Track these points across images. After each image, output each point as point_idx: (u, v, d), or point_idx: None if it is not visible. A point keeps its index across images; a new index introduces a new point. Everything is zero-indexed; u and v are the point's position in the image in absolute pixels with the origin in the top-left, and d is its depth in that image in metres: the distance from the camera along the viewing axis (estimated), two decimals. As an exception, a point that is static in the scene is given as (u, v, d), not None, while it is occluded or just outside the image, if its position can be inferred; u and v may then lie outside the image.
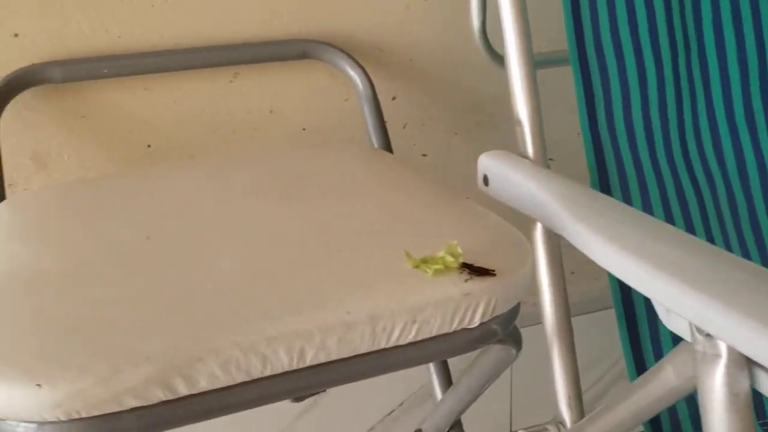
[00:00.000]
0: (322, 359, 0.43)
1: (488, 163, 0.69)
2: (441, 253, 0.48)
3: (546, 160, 0.70)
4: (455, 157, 0.96)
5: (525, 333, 1.05)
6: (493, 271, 0.47)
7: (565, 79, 0.95)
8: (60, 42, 0.77)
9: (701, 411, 0.42)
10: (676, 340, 0.68)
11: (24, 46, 0.76)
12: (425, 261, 0.48)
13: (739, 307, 0.38)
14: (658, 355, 0.73)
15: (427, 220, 0.54)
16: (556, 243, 0.70)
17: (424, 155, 0.95)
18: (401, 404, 1.04)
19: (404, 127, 0.93)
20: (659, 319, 0.73)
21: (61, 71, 0.76)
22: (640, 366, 0.73)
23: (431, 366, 0.77)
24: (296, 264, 0.48)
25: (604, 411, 0.59)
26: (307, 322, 0.43)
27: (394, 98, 0.91)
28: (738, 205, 0.80)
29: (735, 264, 0.44)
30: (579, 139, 1.00)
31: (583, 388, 1.12)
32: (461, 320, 0.46)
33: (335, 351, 0.43)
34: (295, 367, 0.43)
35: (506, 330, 0.50)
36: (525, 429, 0.73)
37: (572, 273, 1.11)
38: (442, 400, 0.71)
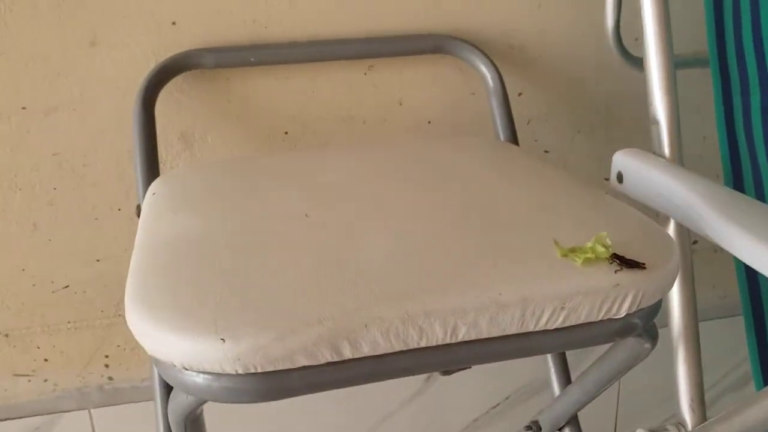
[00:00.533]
0: (473, 336, 0.46)
1: (624, 161, 0.70)
2: (590, 243, 0.49)
3: (681, 159, 0.70)
4: (576, 154, 0.96)
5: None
6: (644, 264, 0.48)
7: (686, 80, 0.94)
8: (213, 31, 0.83)
9: None
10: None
11: (180, 33, 0.82)
12: (573, 250, 0.49)
13: None
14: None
15: (572, 211, 0.55)
16: (688, 244, 0.70)
17: (546, 151, 0.96)
18: (507, 398, 1.05)
19: (528, 123, 0.94)
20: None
21: (212, 58, 0.82)
22: (767, 373, 0.72)
23: (549, 359, 0.78)
24: (450, 244, 0.50)
25: (731, 414, 0.59)
26: (463, 300, 0.45)
27: (520, 94, 0.93)
28: None
29: None
30: (703, 143, 0.99)
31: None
32: (608, 310, 0.48)
33: (486, 329, 0.46)
34: (448, 341, 0.45)
35: (647, 324, 0.50)
36: (645, 429, 0.73)
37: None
38: (564, 391, 0.72)
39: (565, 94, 0.94)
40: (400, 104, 0.90)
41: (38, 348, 0.89)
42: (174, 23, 0.82)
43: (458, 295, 0.45)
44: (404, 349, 0.45)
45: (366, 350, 0.44)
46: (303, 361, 0.43)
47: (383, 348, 0.44)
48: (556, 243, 0.49)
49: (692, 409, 0.70)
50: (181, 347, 0.43)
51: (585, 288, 0.47)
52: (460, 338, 0.45)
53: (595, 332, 0.48)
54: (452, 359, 0.46)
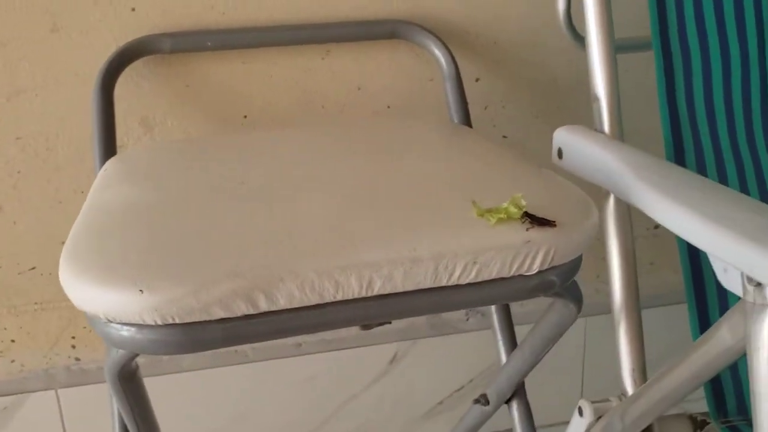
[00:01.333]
0: (389, 290, 0.47)
1: (564, 137, 0.71)
2: (505, 204, 0.51)
3: (621, 135, 0.72)
4: (535, 139, 0.98)
5: (602, 319, 1.06)
6: (554, 222, 0.50)
7: (640, 69, 0.96)
8: (171, 16, 0.85)
9: (748, 366, 0.44)
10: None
11: (140, 19, 0.84)
12: (490, 211, 0.51)
13: (788, 255, 0.40)
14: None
15: (498, 179, 0.57)
16: (627, 217, 0.72)
17: (505, 137, 0.97)
18: (471, 381, 1.06)
19: (485, 109, 0.96)
20: (731, 302, 0.73)
21: (170, 42, 0.84)
22: None
23: (497, 332, 0.79)
24: (373, 206, 0.52)
25: (661, 375, 0.61)
26: (377, 255, 0.47)
27: (477, 80, 0.95)
28: (822, 193, 0.79)
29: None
30: (654, 131, 1.01)
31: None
32: (520, 266, 0.49)
33: (401, 283, 0.47)
34: (364, 295, 0.47)
35: (565, 283, 0.52)
36: (589, 401, 0.75)
37: (651, 264, 1.11)
38: (506, 362, 0.74)
39: (522, 80, 0.96)
40: (359, 89, 0.92)
41: (5, 329, 0.91)
42: (134, 9, 0.84)
43: (374, 250, 0.47)
44: (320, 302, 0.47)
45: (282, 303, 0.46)
46: (220, 313, 0.45)
47: (299, 301, 0.46)
48: (474, 204, 0.51)
49: (633, 379, 0.71)
50: (104, 299, 0.45)
51: (496, 244, 0.49)
52: (375, 292, 0.47)
53: (508, 288, 0.50)
54: (369, 313, 0.48)
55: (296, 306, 0.46)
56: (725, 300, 0.73)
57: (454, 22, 0.91)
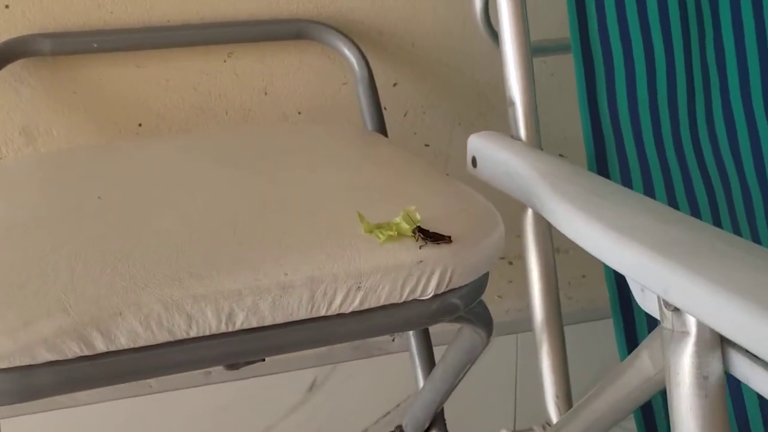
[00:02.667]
0: (254, 324, 0.40)
1: (477, 144, 0.65)
2: (397, 219, 0.44)
3: (539, 141, 0.66)
4: (457, 147, 0.92)
5: (530, 336, 0.99)
6: (449, 237, 0.43)
7: (566, 72, 0.91)
8: (51, 14, 0.76)
9: (668, 398, 0.38)
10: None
11: (14, 17, 0.76)
12: (380, 227, 0.44)
13: (709, 274, 0.34)
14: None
15: (399, 190, 0.51)
16: (547, 231, 0.66)
17: (427, 145, 0.91)
18: (397, 406, 1.00)
19: (405, 115, 0.90)
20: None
21: (50, 43, 0.75)
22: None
23: (414, 356, 0.73)
24: (242, 226, 0.45)
25: (584, 404, 0.55)
26: (239, 281, 0.40)
27: (395, 84, 0.88)
28: (753, 200, 0.75)
29: (717, 235, 0.39)
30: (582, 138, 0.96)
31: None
32: (413, 290, 0.43)
33: (269, 315, 0.40)
34: (223, 330, 0.40)
35: (468, 305, 0.46)
36: (511, 430, 0.69)
37: (583, 277, 1.06)
38: (420, 391, 0.67)
39: (442, 85, 0.90)
40: (266, 94, 0.85)
41: None
42: (7, 6, 0.75)
43: (236, 276, 0.40)
44: (171, 339, 0.39)
45: (124, 342, 0.38)
46: (47, 356, 0.37)
47: (145, 339, 0.39)
48: (361, 218, 0.44)
49: (557, 407, 0.65)
50: None
51: (384, 265, 0.42)
52: (238, 326, 0.40)
53: (402, 315, 0.43)
54: (232, 351, 0.41)
55: (142, 345, 0.39)
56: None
57: (365, 21, 0.85)
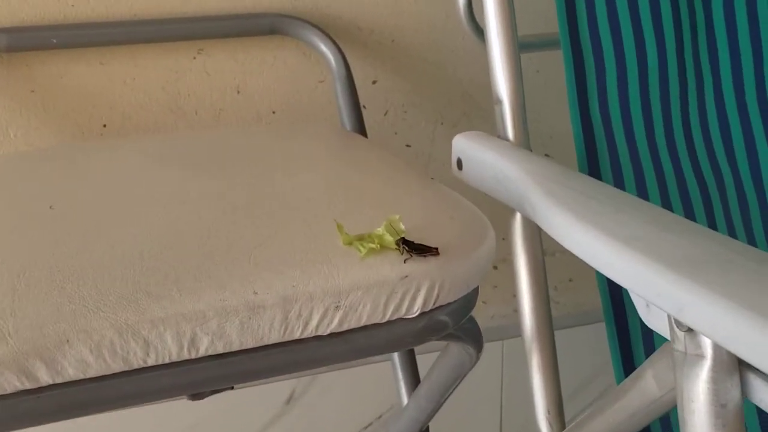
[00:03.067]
0: (220, 349, 0.36)
1: (462, 145, 0.61)
2: (379, 230, 0.40)
3: (527, 142, 0.63)
4: (440, 147, 0.88)
5: (516, 343, 0.96)
6: (436, 249, 0.39)
7: (554, 69, 0.87)
8: (6, 8, 0.71)
9: (681, 426, 0.34)
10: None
11: (-34, 11, 0.71)
12: (360, 238, 0.40)
13: (727, 293, 0.31)
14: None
15: (381, 196, 0.47)
16: (537, 237, 0.62)
17: (408, 146, 0.88)
18: (379, 417, 0.96)
19: (385, 115, 0.86)
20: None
21: (5, 38, 0.70)
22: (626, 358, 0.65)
23: (397, 369, 0.69)
24: (209, 238, 0.41)
25: (580, 426, 0.51)
26: (202, 302, 0.35)
27: (374, 82, 0.84)
28: (749, 202, 0.72)
29: (727, 245, 0.36)
30: (571, 138, 0.93)
31: (583, 404, 1.03)
32: (397, 308, 0.39)
33: (237, 339, 0.36)
34: (186, 357, 0.36)
35: (458, 322, 0.42)
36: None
37: (570, 281, 1.03)
38: (403, 409, 0.64)
39: (424, 83, 0.87)
40: (238, 92, 0.80)
41: None
42: (-43, -1, 0.70)
43: (197, 296, 0.36)
44: (126, 369, 0.35)
45: (72, 373, 0.34)
46: (-18, 390, 0.33)
47: (96, 369, 0.34)
48: (340, 229, 0.40)
49: (549, 422, 0.62)
50: None
51: (365, 282, 0.38)
52: (202, 352, 0.36)
53: (386, 336, 0.39)
54: (196, 380, 0.36)
55: (93, 376, 0.34)
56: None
57: (343, 16, 0.81)
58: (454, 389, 0.53)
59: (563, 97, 0.91)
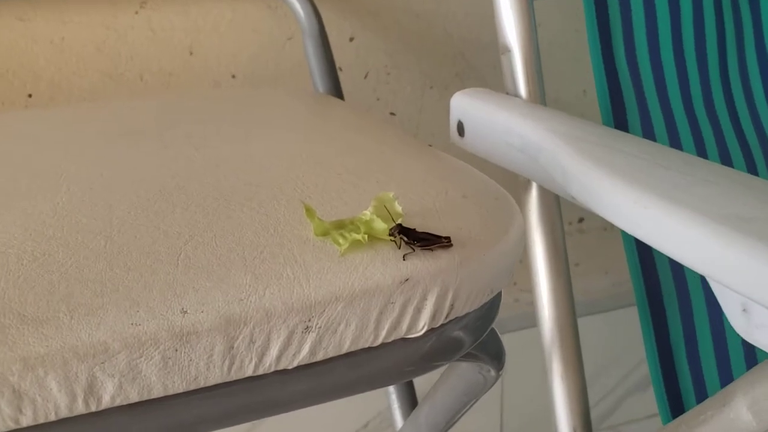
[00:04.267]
0: (134, 397, 0.24)
1: (464, 105, 0.50)
2: (366, 213, 0.28)
3: (543, 98, 0.51)
4: (429, 114, 0.77)
5: (518, 337, 0.85)
6: (447, 239, 0.27)
7: (555, 21, 0.76)
8: None
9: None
10: (726, 342, 0.51)
11: None
12: (340, 226, 0.28)
13: None
14: (695, 365, 0.53)
15: (361, 168, 0.34)
16: (558, 216, 0.51)
17: (392, 114, 0.76)
18: (366, 426, 0.84)
19: (366, 77, 0.74)
20: (696, 315, 0.54)
21: None
22: (670, 381, 0.54)
23: (391, 388, 0.57)
24: (119, 232, 0.28)
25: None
26: (104, 329, 0.23)
27: (351, 39, 0.72)
28: (797, 169, 0.61)
29: None
30: (584, 97, 0.81)
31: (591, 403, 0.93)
32: (395, 325, 0.27)
33: (158, 382, 0.24)
34: (81, 412, 0.24)
35: (478, 338, 0.30)
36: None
37: (577, 265, 0.92)
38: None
39: (409, 40, 0.75)
40: (191, 54, 0.68)
41: None
42: None
43: (96, 319, 0.24)
44: (-11, 432, 0.23)
45: None
46: None
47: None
48: (311, 213, 0.28)
49: (576, 442, 0.51)
50: None
51: (347, 289, 0.26)
52: (107, 403, 0.24)
53: (376, 366, 0.27)
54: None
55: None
56: (689, 313, 0.54)
57: (313, -41, 0.68)
58: (463, 414, 0.41)
59: (569, 54, 0.79)
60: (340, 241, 0.27)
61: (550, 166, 0.38)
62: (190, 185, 0.32)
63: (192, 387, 0.25)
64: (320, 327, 0.26)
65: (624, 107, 0.54)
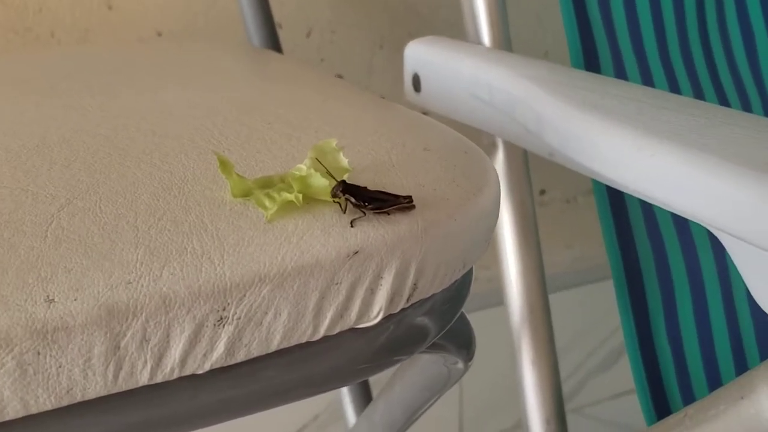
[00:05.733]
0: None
1: (422, 54, 0.44)
2: (302, 166, 0.22)
3: (510, 45, 0.45)
4: (380, 79, 0.70)
5: (476, 319, 0.80)
6: (408, 199, 0.21)
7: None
8: None
9: None
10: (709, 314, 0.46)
11: None
12: (266, 184, 0.22)
13: None
14: (675, 338, 0.49)
15: (298, 118, 0.28)
16: (526, 177, 0.45)
17: (339, 76, 0.69)
18: (316, 418, 0.78)
19: (308, 36, 0.67)
20: (677, 288, 0.49)
21: None
22: (648, 355, 0.49)
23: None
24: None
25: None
26: None
27: (292, -7, 0.65)
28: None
29: None
30: (546, 44, 0.75)
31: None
32: (341, 313, 0.21)
33: (13, 399, 0.17)
34: None
35: (445, 325, 0.24)
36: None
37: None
38: (350, 430, 0.46)
39: (357, -6, 0.68)
40: (110, 8, 0.60)
41: None
42: None
43: None
44: None
45: None
46: None
47: None
48: (226, 168, 0.22)
49: (548, 434, 0.45)
50: None
51: (277, 268, 0.20)
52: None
53: (318, 365, 0.21)
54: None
55: None
56: (669, 287, 0.49)
57: None
58: (425, 411, 0.36)
59: (530, 14, 0.73)
60: (267, 203, 0.21)
61: (526, 119, 0.32)
62: (78, 138, 0.25)
63: (65, 402, 0.18)
64: (239, 318, 0.19)
65: (597, 56, 0.48)
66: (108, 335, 0.18)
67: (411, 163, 0.24)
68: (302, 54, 0.66)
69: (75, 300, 0.18)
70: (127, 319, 0.18)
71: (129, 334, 0.18)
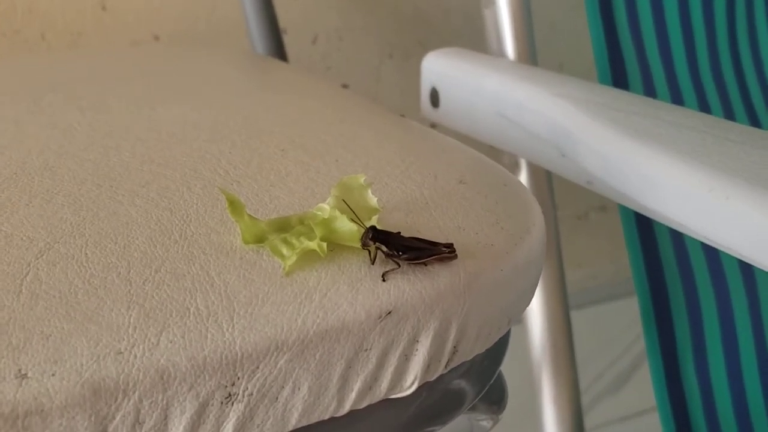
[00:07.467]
0: None
1: (441, 67, 0.41)
2: (324, 206, 0.19)
3: (536, 59, 0.42)
4: (388, 88, 0.67)
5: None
6: (450, 246, 0.18)
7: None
8: None
9: None
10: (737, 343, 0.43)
11: None
12: (284, 227, 0.19)
13: None
14: (702, 367, 0.46)
15: (313, 142, 0.25)
16: (551, 202, 0.42)
17: (345, 85, 0.66)
18: None
19: (314, 42, 0.64)
20: (706, 319, 0.47)
21: None
22: (674, 382, 0.46)
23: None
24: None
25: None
26: None
27: (297, -3, 0.62)
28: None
29: None
30: (560, 72, 0.73)
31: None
32: (371, 384, 0.17)
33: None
34: None
35: (484, 387, 0.21)
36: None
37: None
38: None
39: (365, 1, 0.65)
40: (104, 9, 0.57)
41: None
42: None
43: None
44: None
45: None
46: None
47: None
48: (235, 208, 0.19)
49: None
50: None
51: (296, 333, 0.16)
52: None
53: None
54: None
55: None
56: (699, 322, 0.46)
57: None
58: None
59: (546, 25, 0.71)
60: (284, 251, 0.18)
61: (561, 143, 0.29)
62: (62, 164, 0.22)
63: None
64: (251, 394, 0.16)
65: (624, 66, 0.45)
66: (93, 419, 0.15)
67: (447, 201, 0.21)
68: (307, 61, 0.63)
69: (53, 375, 0.15)
70: (116, 399, 0.15)
71: (118, 417, 0.15)
